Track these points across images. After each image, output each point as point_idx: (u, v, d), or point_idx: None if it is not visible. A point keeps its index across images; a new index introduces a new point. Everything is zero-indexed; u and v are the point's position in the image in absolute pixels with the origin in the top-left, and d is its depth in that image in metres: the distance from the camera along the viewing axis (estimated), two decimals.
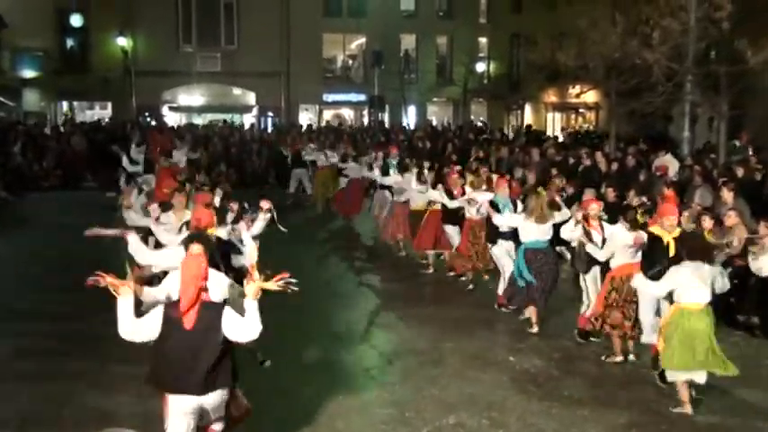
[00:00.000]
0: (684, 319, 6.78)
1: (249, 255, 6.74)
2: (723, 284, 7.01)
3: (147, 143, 18.30)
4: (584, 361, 8.33)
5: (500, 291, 10.13)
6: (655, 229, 7.67)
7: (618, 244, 8.03)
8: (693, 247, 6.91)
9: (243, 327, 4.84)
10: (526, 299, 9.30)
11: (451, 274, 11.89)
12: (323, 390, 7.34)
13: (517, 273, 9.26)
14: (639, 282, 7.29)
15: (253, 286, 4.83)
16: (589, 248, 8.43)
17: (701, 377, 6.88)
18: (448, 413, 6.85)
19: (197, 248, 5.42)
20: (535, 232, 9.13)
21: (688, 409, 6.90)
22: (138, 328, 4.89)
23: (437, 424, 6.66)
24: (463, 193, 11.24)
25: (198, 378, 4.83)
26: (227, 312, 4.88)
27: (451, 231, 11.79)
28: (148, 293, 5.64)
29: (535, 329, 9.25)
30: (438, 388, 7.45)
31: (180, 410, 4.93)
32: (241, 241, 6.95)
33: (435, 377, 7.73)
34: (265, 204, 7.71)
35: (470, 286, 11.24)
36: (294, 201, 18.86)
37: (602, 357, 8.32)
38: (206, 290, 4.97)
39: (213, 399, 4.96)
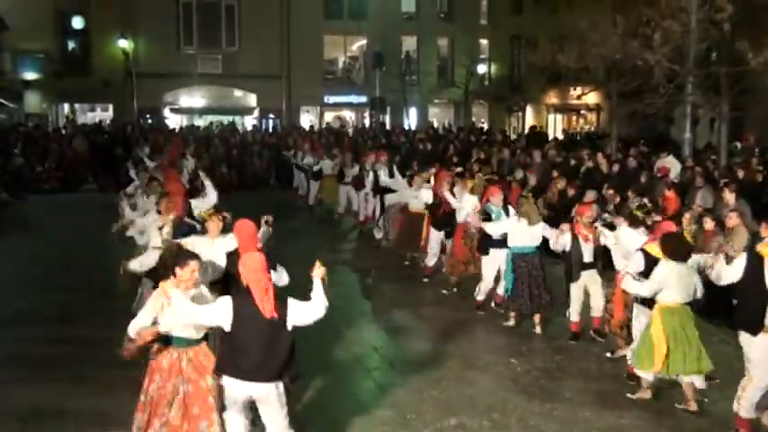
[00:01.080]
0: (666, 317, 6.79)
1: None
2: (700, 289, 7.05)
3: (153, 145, 18.39)
4: (585, 362, 8.32)
5: (479, 297, 10.09)
6: (651, 249, 7.23)
7: (626, 244, 7.89)
8: (676, 247, 6.88)
9: (309, 308, 5.23)
10: (519, 308, 9.30)
11: (426, 280, 11.73)
12: (323, 391, 7.34)
13: (506, 284, 9.36)
14: (627, 284, 7.12)
15: (321, 268, 5.28)
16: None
17: (699, 381, 6.92)
18: (449, 415, 6.84)
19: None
20: (525, 237, 9.12)
21: (648, 394, 7.15)
22: (197, 314, 5.19)
23: (438, 426, 6.65)
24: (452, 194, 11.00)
25: (274, 365, 5.10)
26: (291, 301, 5.22)
27: (435, 237, 11.59)
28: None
29: (538, 330, 9.28)
30: (439, 390, 7.44)
31: (234, 400, 5.18)
32: None
33: (436, 379, 7.72)
34: (268, 218, 7.59)
35: (454, 289, 11.07)
36: (301, 202, 19.00)
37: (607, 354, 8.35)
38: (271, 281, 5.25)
39: (266, 389, 5.16)
